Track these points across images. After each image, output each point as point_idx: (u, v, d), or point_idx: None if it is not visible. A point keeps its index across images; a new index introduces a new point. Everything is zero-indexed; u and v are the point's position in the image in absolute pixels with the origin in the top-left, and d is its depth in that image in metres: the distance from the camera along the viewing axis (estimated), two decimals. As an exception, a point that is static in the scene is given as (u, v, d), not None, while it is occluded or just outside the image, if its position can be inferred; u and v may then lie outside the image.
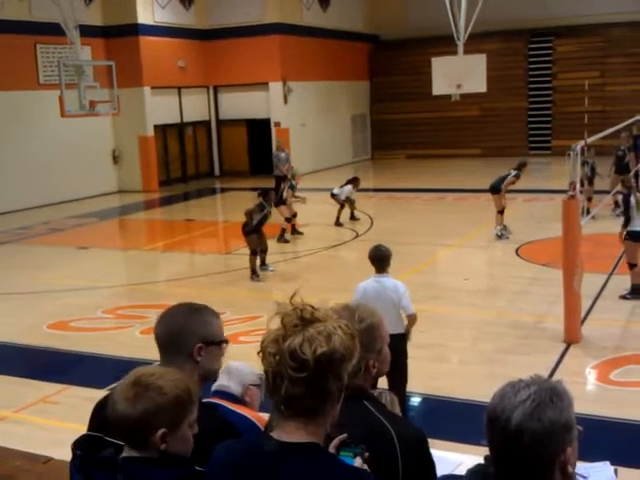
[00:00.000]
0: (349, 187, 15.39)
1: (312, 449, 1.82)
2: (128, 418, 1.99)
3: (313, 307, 1.85)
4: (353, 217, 15.68)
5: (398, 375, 5.51)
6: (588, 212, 12.51)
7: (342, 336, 1.81)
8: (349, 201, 15.47)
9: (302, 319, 1.81)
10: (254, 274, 11.20)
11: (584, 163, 13.78)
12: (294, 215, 14.36)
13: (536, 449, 1.66)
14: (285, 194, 14.12)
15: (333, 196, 15.42)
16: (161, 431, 1.99)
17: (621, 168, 14.47)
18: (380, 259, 5.89)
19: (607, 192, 13.79)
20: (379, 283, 5.81)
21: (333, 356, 1.78)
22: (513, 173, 13.50)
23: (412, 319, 5.85)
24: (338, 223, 15.32)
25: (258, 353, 1.85)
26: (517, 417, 1.66)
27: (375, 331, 2.33)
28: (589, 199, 13.94)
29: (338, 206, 15.35)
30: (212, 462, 1.95)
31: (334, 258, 13.12)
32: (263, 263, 11.60)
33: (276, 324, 1.84)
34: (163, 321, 2.40)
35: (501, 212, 13.39)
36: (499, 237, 13.23)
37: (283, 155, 18.10)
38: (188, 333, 2.34)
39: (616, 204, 14.09)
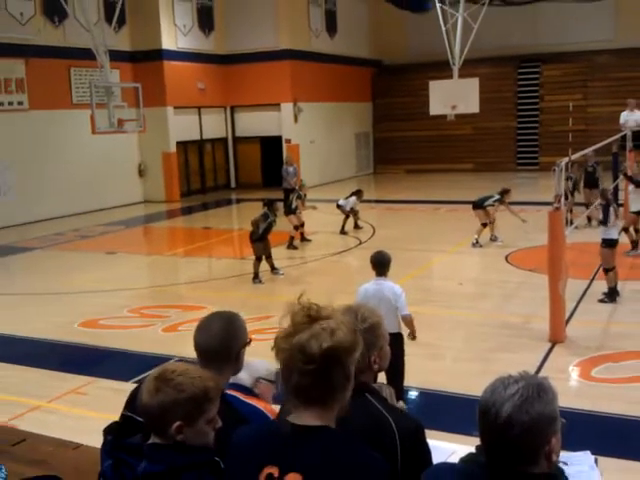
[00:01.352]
0: (353, 198, 15.39)
1: (325, 431, 1.82)
2: (148, 408, 2.00)
3: (318, 306, 1.88)
4: (357, 226, 15.66)
5: (396, 371, 5.48)
6: (571, 223, 12.48)
7: (345, 331, 1.83)
8: (353, 211, 15.46)
9: (309, 317, 1.83)
10: (256, 278, 11.16)
11: (568, 178, 13.75)
12: (302, 224, 14.35)
13: (524, 439, 1.66)
14: (295, 204, 14.13)
15: (339, 207, 15.42)
16: (177, 424, 1.99)
17: (591, 182, 14.46)
18: (380, 263, 5.87)
19: (584, 204, 13.70)
20: (379, 285, 5.78)
21: (337, 349, 1.80)
22: (496, 197, 13.41)
23: (406, 319, 5.81)
24: (343, 231, 15.30)
25: (272, 349, 1.86)
26: (507, 410, 1.65)
27: (377, 330, 2.33)
28: (570, 211, 13.89)
29: (343, 216, 15.34)
30: (231, 445, 1.95)
31: (339, 263, 13.09)
32: (273, 268, 11.56)
33: (287, 322, 1.86)
34: (207, 332, 2.40)
35: (484, 225, 13.36)
36: (473, 245, 13.17)
37: (291, 169, 18.06)
38: (235, 340, 2.40)
39: (589, 220, 14.04)
